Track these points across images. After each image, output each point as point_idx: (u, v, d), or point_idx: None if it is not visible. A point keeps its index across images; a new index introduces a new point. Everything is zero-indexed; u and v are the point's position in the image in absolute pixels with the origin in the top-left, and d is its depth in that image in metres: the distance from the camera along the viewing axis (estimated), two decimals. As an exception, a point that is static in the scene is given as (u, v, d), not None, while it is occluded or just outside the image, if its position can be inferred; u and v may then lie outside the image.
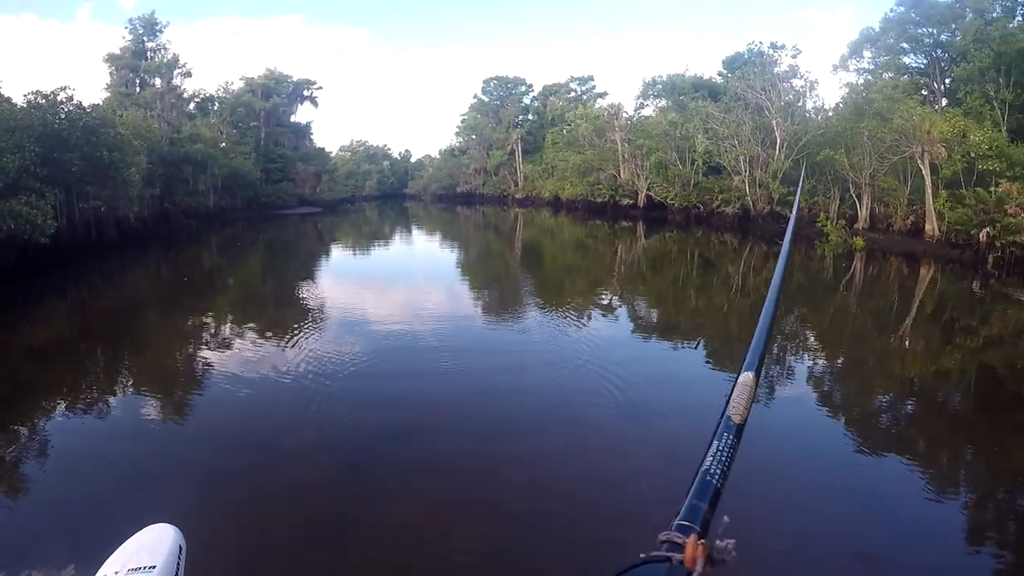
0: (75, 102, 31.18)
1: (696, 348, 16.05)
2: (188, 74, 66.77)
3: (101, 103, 45.60)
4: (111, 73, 64.77)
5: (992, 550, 7.29)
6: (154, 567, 2.95)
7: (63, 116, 30.20)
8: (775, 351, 15.61)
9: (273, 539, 7.15)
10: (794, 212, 3.52)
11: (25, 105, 29.32)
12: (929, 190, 32.15)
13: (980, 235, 28.56)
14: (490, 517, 7.68)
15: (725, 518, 1.08)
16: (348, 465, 8.97)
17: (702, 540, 1.01)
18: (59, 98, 30.47)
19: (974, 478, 9.40)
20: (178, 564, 3.06)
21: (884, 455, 9.58)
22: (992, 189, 29.19)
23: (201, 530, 4.76)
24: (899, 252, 32.70)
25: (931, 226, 32.32)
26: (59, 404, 11.74)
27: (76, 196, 31.58)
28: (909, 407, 12.71)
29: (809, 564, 6.90)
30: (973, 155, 30.69)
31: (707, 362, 15.08)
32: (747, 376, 1.37)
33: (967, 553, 7.15)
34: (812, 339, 18.12)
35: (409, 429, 10.28)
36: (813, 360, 15.68)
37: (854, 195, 38.50)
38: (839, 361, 16.03)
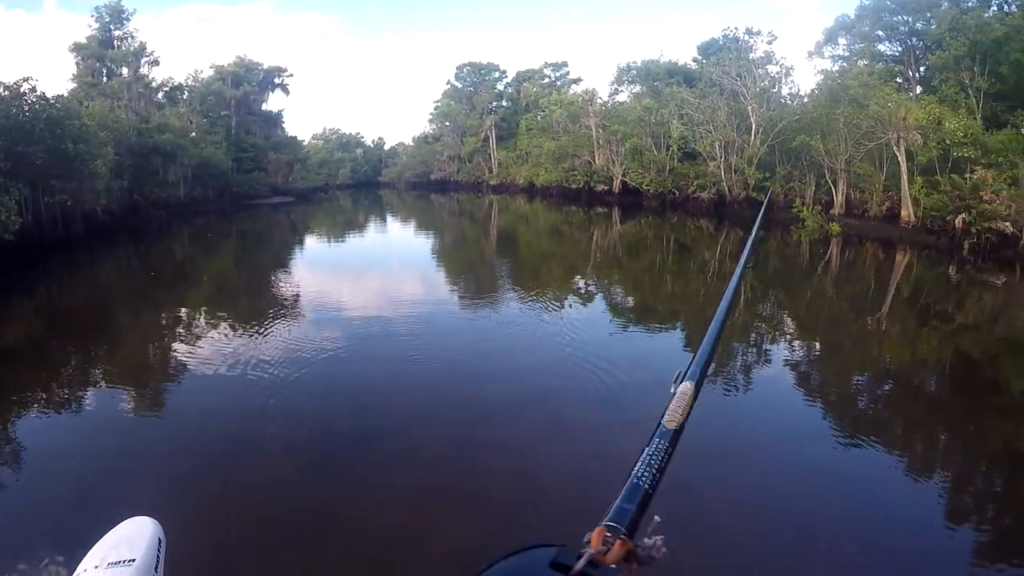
0: (39, 93, 30.35)
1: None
2: (156, 63, 65.48)
3: (67, 94, 44.61)
4: (77, 63, 63.27)
5: (970, 533, 7.30)
6: (133, 560, 2.91)
7: (26, 108, 29.44)
8: (752, 335, 15.70)
9: (252, 532, 7.04)
10: (751, 240, 3.48)
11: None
12: (905, 176, 32.29)
13: (956, 221, 28.71)
14: (475, 507, 7.58)
15: (656, 517, 1.09)
16: (324, 456, 8.85)
17: (623, 536, 1.01)
18: (22, 89, 29.57)
19: (951, 461, 9.44)
20: (158, 556, 3.02)
21: (861, 438, 9.55)
22: (967, 176, 29.32)
23: (180, 523, 4.65)
24: (875, 238, 32.86)
25: (907, 212, 32.50)
26: (30, 403, 11.49)
27: (41, 190, 30.79)
28: (886, 390, 12.78)
29: (784, 547, 6.87)
30: (948, 142, 30.86)
31: (686, 348, 14.98)
32: (687, 386, 1.35)
33: (949, 536, 7.14)
34: (788, 323, 18.24)
35: (387, 420, 10.15)
36: (788, 343, 15.77)
37: (830, 181, 38.52)
38: (815, 345, 16.08)
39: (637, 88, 69.24)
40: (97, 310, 20.82)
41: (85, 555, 2.93)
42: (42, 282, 25.25)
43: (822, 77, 45.38)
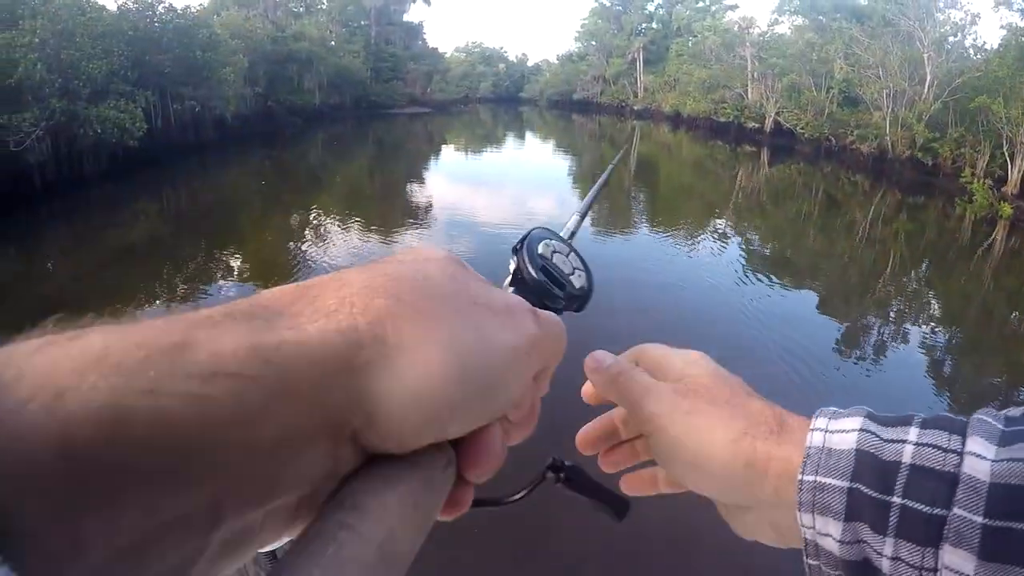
0: (167, 4, 30.80)
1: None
2: (294, -29, 66.53)
3: (206, 3, 45.90)
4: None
5: None
6: None
7: (155, 20, 30.09)
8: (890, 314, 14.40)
9: None
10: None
11: (116, 11, 28.68)
12: (1094, 162, 28.15)
13: None
14: None
15: None
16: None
17: None
18: (150, 0, 30.08)
19: None
20: None
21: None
22: None
23: None
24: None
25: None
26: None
27: (170, 97, 31.27)
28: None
29: None
30: None
31: (820, 310, 13.83)
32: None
33: None
34: (930, 307, 16.04)
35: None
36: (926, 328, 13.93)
37: (1007, 153, 33.32)
38: (954, 336, 13.87)
39: (799, 20, 63.92)
40: (224, 210, 21.95)
41: None
42: (171, 184, 26.19)
43: (1007, 32, 39.98)
